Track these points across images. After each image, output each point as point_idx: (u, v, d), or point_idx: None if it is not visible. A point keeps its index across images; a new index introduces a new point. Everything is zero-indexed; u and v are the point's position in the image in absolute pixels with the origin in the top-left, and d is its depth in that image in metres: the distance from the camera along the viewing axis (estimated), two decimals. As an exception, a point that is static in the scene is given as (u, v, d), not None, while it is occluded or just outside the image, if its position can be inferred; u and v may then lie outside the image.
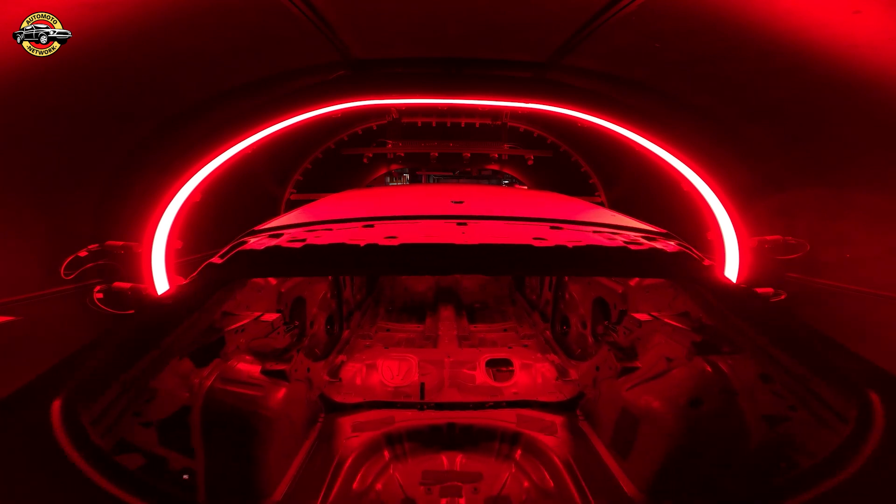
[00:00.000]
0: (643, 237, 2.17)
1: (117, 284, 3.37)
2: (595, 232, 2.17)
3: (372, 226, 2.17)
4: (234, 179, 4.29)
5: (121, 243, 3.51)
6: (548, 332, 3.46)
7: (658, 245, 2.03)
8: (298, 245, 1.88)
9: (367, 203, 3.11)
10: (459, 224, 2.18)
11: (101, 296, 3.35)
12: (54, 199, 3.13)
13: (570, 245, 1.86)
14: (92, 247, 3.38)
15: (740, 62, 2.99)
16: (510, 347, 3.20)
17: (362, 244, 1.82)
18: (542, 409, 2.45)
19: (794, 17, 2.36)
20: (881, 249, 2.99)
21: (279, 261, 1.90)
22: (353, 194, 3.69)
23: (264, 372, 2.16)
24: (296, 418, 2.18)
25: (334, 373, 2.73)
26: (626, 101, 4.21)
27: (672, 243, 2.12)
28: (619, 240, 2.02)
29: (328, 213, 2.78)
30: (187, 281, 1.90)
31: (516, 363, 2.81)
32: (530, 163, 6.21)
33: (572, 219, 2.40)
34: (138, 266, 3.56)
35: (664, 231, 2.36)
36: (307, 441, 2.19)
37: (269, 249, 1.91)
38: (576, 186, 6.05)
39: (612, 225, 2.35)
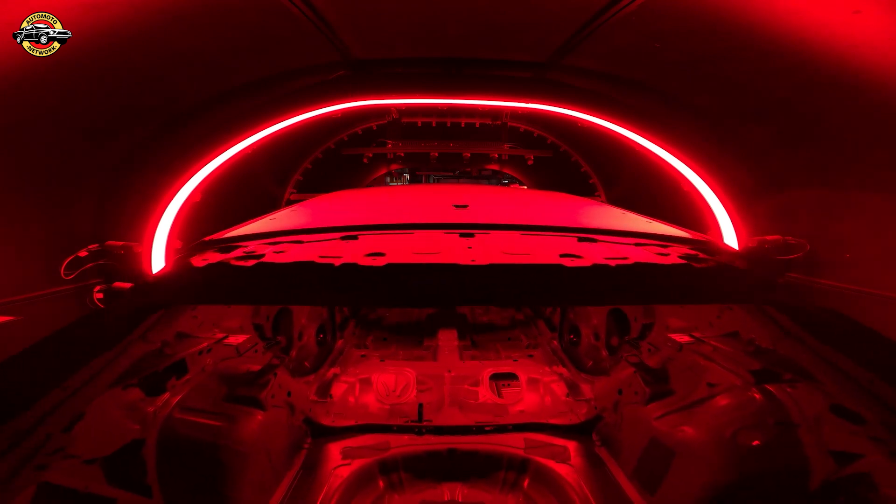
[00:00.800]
0: (698, 249, 1.80)
1: (117, 284, 3.37)
2: (638, 245, 1.78)
3: (355, 237, 1.78)
4: (234, 179, 4.29)
5: (121, 243, 3.51)
6: (555, 342, 3.18)
7: (723, 260, 1.69)
8: (249, 264, 1.51)
9: (355, 207, 2.75)
10: (464, 235, 1.80)
11: (101, 296, 3.35)
12: (54, 200, 3.13)
13: (612, 264, 1.48)
14: (92, 247, 3.38)
15: (740, 62, 2.99)
16: (515, 360, 2.94)
17: (337, 263, 1.46)
18: (553, 432, 2.19)
19: (794, 17, 2.36)
20: (881, 249, 2.99)
21: (219, 285, 1.51)
22: (341, 196, 3.33)
23: (234, 399, 1.86)
24: (274, 449, 1.92)
25: (325, 389, 2.50)
26: (626, 101, 4.21)
27: (733, 257, 1.80)
28: (674, 254, 1.65)
29: (306, 219, 2.43)
30: (109, 307, 1.57)
31: (522, 378, 2.59)
32: (530, 163, 6.21)
33: (603, 227, 2.02)
34: (138, 266, 3.56)
35: (714, 241, 2.02)
36: (289, 472, 1.94)
37: (208, 269, 1.55)
38: (576, 186, 6.05)
39: (656, 235, 1.95)
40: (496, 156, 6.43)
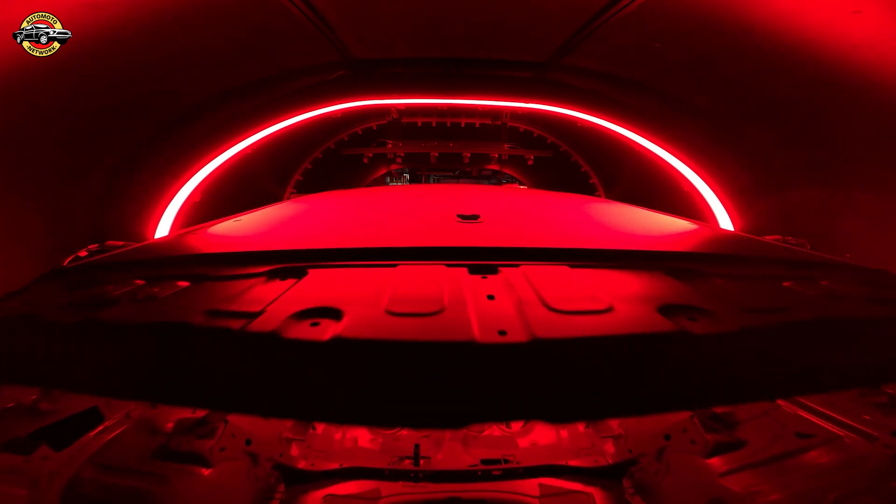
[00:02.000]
0: (846, 275, 1.37)
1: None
2: (769, 278, 1.28)
3: (302, 274, 1.14)
4: (234, 179, 4.29)
5: (121, 243, 3.50)
6: None
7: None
8: (73, 319, 0.95)
9: (323, 217, 2.19)
10: (478, 271, 1.15)
11: (101, 296, 3.34)
12: (54, 199, 3.13)
13: (771, 324, 0.91)
14: (92, 247, 3.37)
15: (740, 62, 2.99)
16: None
17: (236, 328, 0.85)
18: (573, 476, 1.82)
19: (794, 17, 2.36)
20: (882, 249, 2.98)
21: (15, 355, 0.98)
22: (313, 200, 2.71)
23: (166, 455, 1.45)
24: None
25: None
26: (626, 101, 4.21)
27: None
28: (839, 295, 1.17)
29: (244, 235, 1.94)
30: None
31: None
32: (530, 163, 6.21)
33: (701, 248, 1.53)
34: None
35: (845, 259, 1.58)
36: None
37: (6, 324, 1.04)
38: (576, 186, 6.05)
39: (792, 261, 1.45)
40: (496, 156, 6.44)
